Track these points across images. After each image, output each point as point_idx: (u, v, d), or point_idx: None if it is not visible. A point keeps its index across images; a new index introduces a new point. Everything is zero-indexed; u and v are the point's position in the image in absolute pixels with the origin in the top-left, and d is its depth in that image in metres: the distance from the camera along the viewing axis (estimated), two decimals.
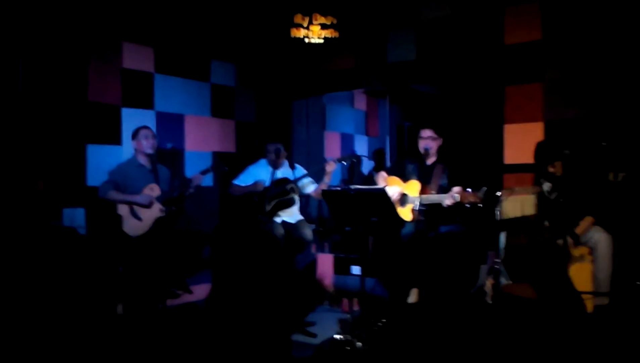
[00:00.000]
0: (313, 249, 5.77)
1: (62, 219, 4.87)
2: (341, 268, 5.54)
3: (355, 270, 5.43)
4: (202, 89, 6.22)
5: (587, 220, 4.28)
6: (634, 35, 4.72)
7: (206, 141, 6.24)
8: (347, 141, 7.86)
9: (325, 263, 5.64)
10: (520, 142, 5.25)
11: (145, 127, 4.94)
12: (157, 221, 4.84)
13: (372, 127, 8.32)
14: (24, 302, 4.05)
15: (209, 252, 5.40)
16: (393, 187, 4.76)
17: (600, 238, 4.17)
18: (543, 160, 4.46)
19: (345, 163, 5.31)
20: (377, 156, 7.86)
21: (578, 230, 4.24)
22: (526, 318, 3.21)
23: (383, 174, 4.99)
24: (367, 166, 7.88)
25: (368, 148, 8.25)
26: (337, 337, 3.99)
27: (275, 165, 5.19)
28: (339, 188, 4.16)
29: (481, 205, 4.42)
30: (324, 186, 5.15)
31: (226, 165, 5.60)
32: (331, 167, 5.04)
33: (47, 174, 4.87)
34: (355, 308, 5.21)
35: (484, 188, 4.39)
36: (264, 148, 5.35)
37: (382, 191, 3.95)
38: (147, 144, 4.85)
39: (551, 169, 4.40)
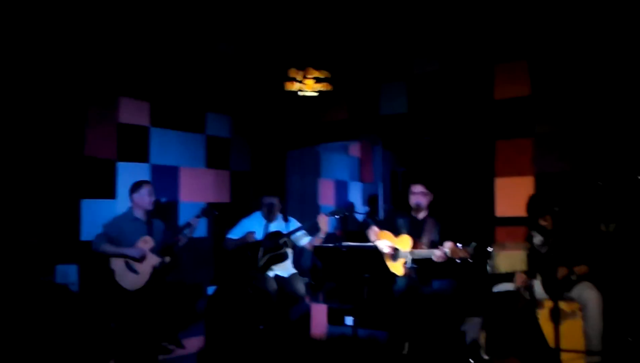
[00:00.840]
0: (307, 299, 5.76)
1: (55, 276, 4.86)
2: (335, 318, 5.51)
3: (349, 320, 5.41)
4: (197, 141, 6.29)
5: (582, 268, 4.29)
6: (619, 89, 4.83)
7: (201, 192, 6.28)
8: (341, 188, 7.91)
9: (319, 314, 5.62)
10: (512, 195, 5.30)
11: (148, 182, 4.96)
12: (153, 274, 4.84)
13: (366, 173, 8.37)
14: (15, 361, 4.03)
15: (204, 306, 5.39)
16: (384, 241, 4.80)
17: (589, 295, 4.17)
18: (535, 213, 4.50)
19: (337, 216, 5.33)
20: (371, 202, 7.89)
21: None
22: None
23: (375, 229, 5.02)
24: (361, 209, 7.89)
25: (362, 194, 8.30)
26: None
27: (269, 219, 5.23)
28: (330, 245, 4.20)
29: (471, 260, 4.46)
30: (318, 241, 5.19)
31: (221, 215, 5.64)
32: (324, 220, 5.08)
33: (40, 229, 4.89)
34: None
35: (474, 244, 4.43)
36: (259, 200, 5.39)
37: (375, 249, 3.98)
38: (150, 201, 4.90)
39: (542, 223, 4.43)
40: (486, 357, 4.53)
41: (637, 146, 4.76)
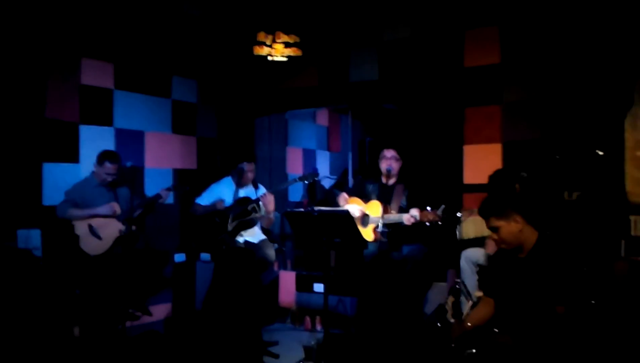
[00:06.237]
0: (275, 266, 5.76)
1: (17, 241, 4.72)
2: (304, 285, 5.52)
3: (318, 287, 5.43)
4: (163, 106, 6.14)
5: None
6: (589, 58, 4.89)
7: (167, 158, 6.15)
8: (309, 157, 7.87)
9: (287, 281, 5.62)
10: (480, 162, 5.35)
11: (113, 160, 4.82)
12: (117, 241, 4.77)
13: (334, 142, 8.35)
14: None
15: (171, 273, 5.33)
16: (354, 206, 4.80)
17: None
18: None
19: (306, 182, 5.29)
20: (343, 175, 7.87)
21: None
22: None
23: (344, 195, 5.02)
24: (326, 181, 7.89)
25: (330, 163, 8.28)
26: None
27: (239, 184, 5.17)
28: (302, 210, 4.18)
29: (441, 223, 4.50)
30: (268, 221, 5.18)
31: (188, 182, 5.57)
32: (269, 199, 5.04)
33: (1, 193, 4.72)
34: (318, 327, 5.21)
35: (443, 206, 4.47)
36: (236, 166, 5.30)
37: (346, 213, 3.97)
38: (108, 178, 4.82)
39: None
40: (452, 321, 4.62)
41: (599, 118, 4.85)
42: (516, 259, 2.96)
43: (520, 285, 2.92)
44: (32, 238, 4.78)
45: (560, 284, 2.81)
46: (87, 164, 5.18)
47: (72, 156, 5.27)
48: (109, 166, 4.79)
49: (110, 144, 5.52)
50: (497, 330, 2.93)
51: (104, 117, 5.55)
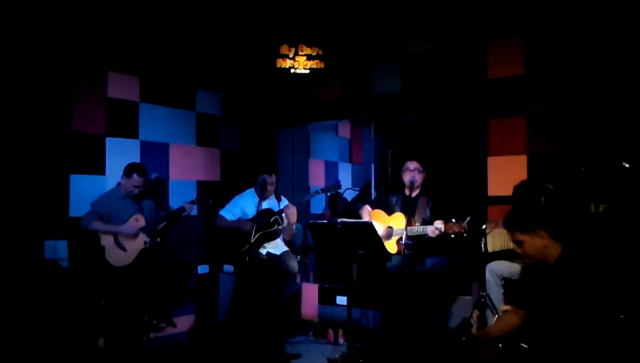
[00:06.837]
0: (298, 279, 5.75)
1: (44, 252, 4.78)
2: (326, 298, 5.50)
3: (341, 300, 5.40)
4: (188, 118, 6.20)
5: None
6: (614, 68, 4.83)
7: (191, 170, 6.20)
8: (331, 169, 7.88)
9: (310, 293, 5.61)
10: (504, 174, 5.31)
11: (141, 172, 4.88)
12: (142, 252, 4.80)
13: (356, 155, 8.36)
14: (3, 336, 3.96)
15: (195, 284, 5.35)
16: (378, 224, 4.77)
17: None
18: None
19: (329, 194, 5.31)
20: (366, 188, 7.87)
21: None
22: None
23: (367, 207, 5.00)
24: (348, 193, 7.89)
25: (352, 176, 8.28)
26: None
27: (262, 196, 5.19)
28: (325, 222, 4.17)
29: (466, 235, 4.45)
30: (289, 233, 5.19)
31: (211, 194, 5.60)
32: (292, 211, 5.05)
33: (29, 205, 4.79)
34: (341, 340, 5.18)
35: (469, 218, 4.42)
36: (256, 178, 5.33)
37: (369, 225, 3.96)
38: (135, 190, 4.87)
39: None
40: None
41: (626, 130, 4.78)
42: (547, 269, 2.91)
43: (550, 297, 2.87)
44: (58, 249, 4.84)
45: (585, 298, 2.77)
46: (112, 176, 5.25)
47: (99, 168, 5.34)
48: (136, 178, 4.84)
49: (135, 157, 5.58)
50: (524, 345, 2.87)
51: (129, 130, 5.62)
